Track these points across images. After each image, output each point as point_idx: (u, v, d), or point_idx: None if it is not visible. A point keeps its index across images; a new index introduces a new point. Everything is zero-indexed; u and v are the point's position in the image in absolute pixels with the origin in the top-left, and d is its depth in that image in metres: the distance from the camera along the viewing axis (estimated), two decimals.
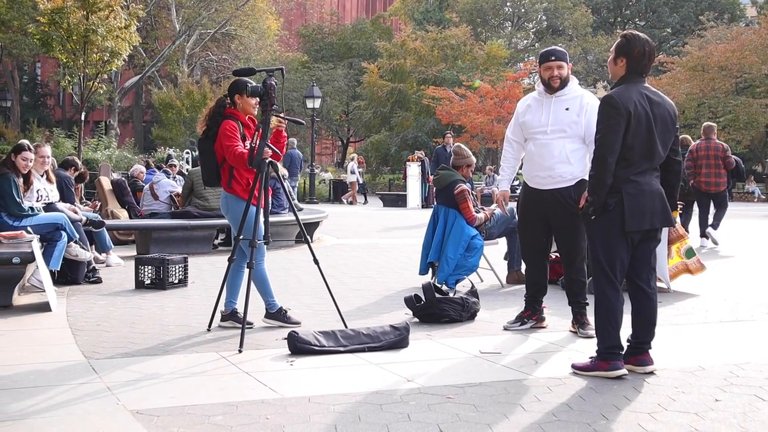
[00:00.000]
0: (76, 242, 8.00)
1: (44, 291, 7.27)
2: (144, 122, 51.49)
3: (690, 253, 8.21)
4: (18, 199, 7.52)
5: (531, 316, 6.11)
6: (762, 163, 40.88)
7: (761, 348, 5.60)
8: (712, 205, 13.04)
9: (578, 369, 4.74)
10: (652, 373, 4.66)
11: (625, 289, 4.77)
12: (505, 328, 6.05)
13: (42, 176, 8.60)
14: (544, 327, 6.11)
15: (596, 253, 4.72)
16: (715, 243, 12.80)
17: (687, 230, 9.41)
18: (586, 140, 5.73)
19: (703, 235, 12.94)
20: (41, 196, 8.44)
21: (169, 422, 3.73)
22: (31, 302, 7.18)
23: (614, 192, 4.60)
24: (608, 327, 4.65)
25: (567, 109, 5.77)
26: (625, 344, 4.73)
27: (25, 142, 8.04)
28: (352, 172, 30.45)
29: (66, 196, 9.66)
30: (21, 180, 7.70)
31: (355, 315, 6.50)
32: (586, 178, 5.82)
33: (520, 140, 6.08)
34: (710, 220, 13.02)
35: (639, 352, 4.73)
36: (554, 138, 5.76)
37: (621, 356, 4.65)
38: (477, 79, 35.53)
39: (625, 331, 4.73)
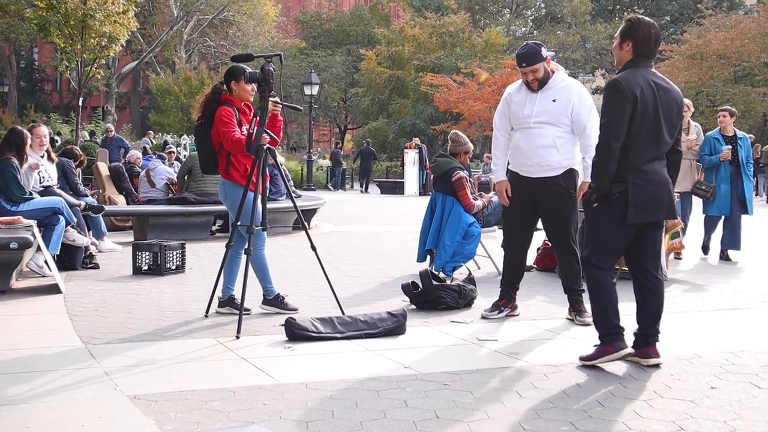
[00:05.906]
0: (73, 227, 8.00)
1: (43, 276, 7.30)
2: (141, 108, 51.39)
3: (675, 234, 8.24)
4: (20, 183, 7.55)
5: (507, 304, 6.10)
6: (759, 152, 40.81)
7: (757, 336, 5.62)
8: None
9: (586, 359, 4.63)
10: (656, 366, 4.59)
11: (628, 278, 4.72)
12: (483, 317, 6.01)
13: (42, 157, 8.56)
14: (516, 315, 6.10)
15: (592, 238, 4.68)
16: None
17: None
18: (575, 130, 5.71)
19: None
20: (43, 177, 8.41)
21: (166, 407, 3.75)
22: (28, 286, 7.18)
23: (620, 181, 4.49)
24: (603, 310, 4.60)
25: (554, 100, 5.69)
26: (632, 336, 4.67)
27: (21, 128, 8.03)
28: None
29: (70, 179, 9.67)
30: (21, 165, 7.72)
31: (352, 302, 6.51)
32: (575, 167, 5.81)
33: (508, 128, 6.02)
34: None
35: (644, 344, 4.64)
36: (541, 126, 5.72)
37: (622, 335, 4.58)
38: (483, 75, 35.27)
39: (628, 320, 4.72)
